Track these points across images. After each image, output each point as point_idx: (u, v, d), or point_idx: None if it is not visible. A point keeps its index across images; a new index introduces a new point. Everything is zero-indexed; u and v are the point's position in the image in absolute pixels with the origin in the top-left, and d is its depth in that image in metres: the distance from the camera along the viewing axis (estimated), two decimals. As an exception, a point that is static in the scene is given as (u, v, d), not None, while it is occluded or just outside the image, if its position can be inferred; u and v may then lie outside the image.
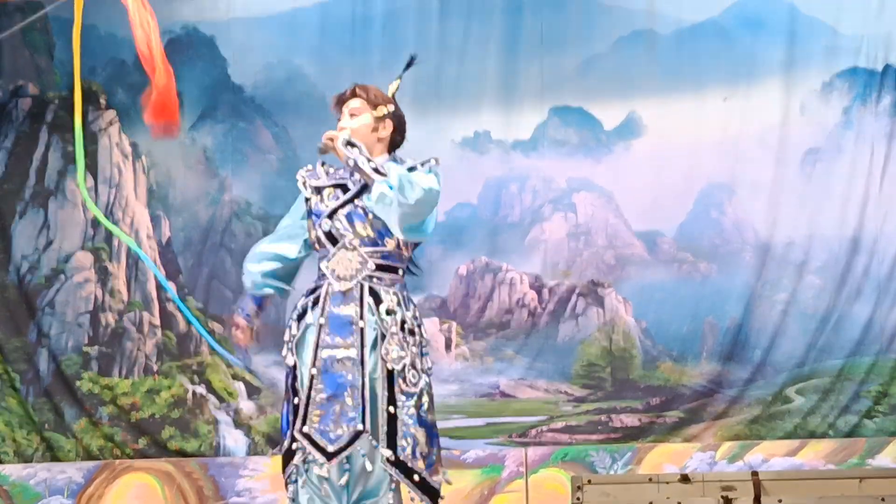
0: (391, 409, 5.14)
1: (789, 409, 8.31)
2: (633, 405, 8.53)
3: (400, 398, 5.15)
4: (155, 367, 8.91)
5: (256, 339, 5.52)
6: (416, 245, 5.36)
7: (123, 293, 9.04)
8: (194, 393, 8.85)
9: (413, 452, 5.13)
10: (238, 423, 8.80)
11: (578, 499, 4.40)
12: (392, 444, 5.11)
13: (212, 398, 8.85)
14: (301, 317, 5.28)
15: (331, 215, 5.28)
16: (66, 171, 9.10)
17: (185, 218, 9.06)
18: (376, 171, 5.12)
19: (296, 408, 5.20)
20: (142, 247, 8.99)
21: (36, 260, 9.09)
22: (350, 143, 5.20)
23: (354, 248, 5.24)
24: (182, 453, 8.68)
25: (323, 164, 5.46)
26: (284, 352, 5.31)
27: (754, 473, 4.35)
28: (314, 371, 5.18)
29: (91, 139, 9.02)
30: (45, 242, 9.11)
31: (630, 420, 8.49)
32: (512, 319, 8.75)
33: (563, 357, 8.67)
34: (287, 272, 5.49)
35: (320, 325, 5.21)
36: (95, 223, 9.05)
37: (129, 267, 9.06)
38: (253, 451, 8.70)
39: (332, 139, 5.23)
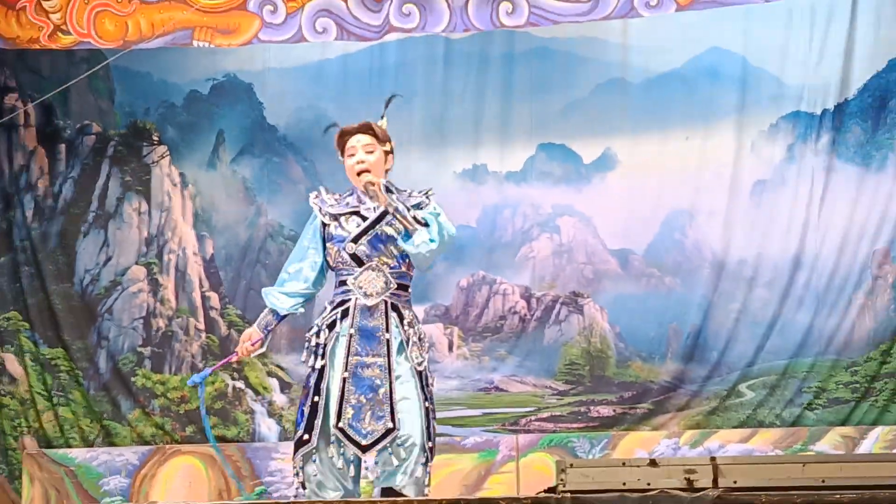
0: (427, 404, 5.20)
1: (742, 402, 8.30)
2: (608, 398, 8.51)
3: (428, 395, 5.23)
4: (200, 366, 8.79)
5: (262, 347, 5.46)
6: None
7: (172, 301, 8.99)
8: (234, 387, 8.82)
9: (434, 440, 5.25)
10: (271, 413, 8.76)
11: (562, 479, 4.38)
12: (429, 434, 5.19)
13: (249, 392, 8.81)
14: (331, 327, 5.24)
15: (355, 240, 5.24)
16: (124, 198, 9.08)
17: (227, 238, 9.02)
18: (416, 220, 5.13)
19: (315, 405, 5.19)
20: (188, 262, 9.00)
21: (97, 273, 9.04)
22: (388, 190, 5.19)
23: (380, 270, 5.22)
24: (223, 439, 8.66)
25: (327, 190, 5.44)
26: (305, 356, 5.31)
27: (713, 458, 4.33)
28: (346, 374, 5.17)
29: (145, 171, 9.07)
30: (104, 258, 9.06)
31: (606, 411, 8.48)
32: (505, 325, 8.73)
33: (548, 357, 8.65)
34: (311, 293, 5.46)
35: (350, 335, 5.19)
36: (148, 241, 9.04)
37: (177, 279, 9.03)
38: (284, 437, 8.64)
39: (373, 184, 5.20)
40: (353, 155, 5.33)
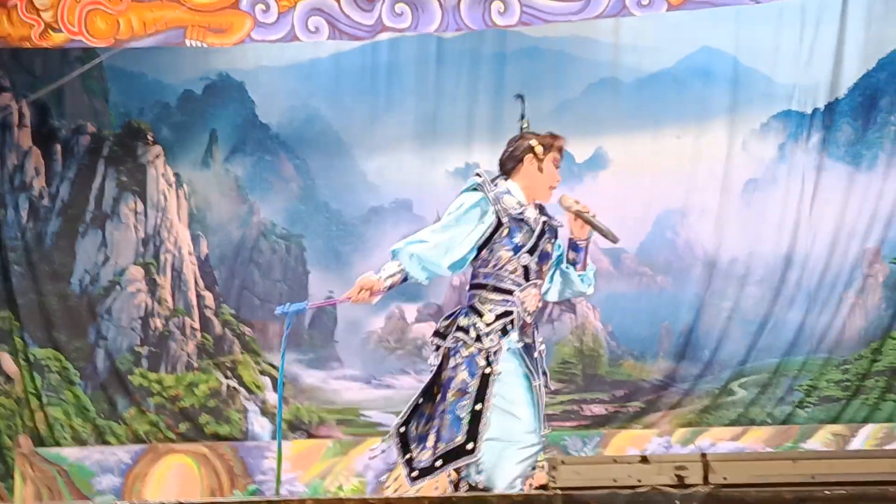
0: None
1: (733, 401, 8.27)
2: (600, 397, 8.48)
3: None
4: (195, 364, 8.88)
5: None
6: None
7: (169, 301, 9.00)
8: (228, 386, 8.83)
9: None
10: (264, 412, 8.77)
11: (554, 477, 4.36)
12: None
13: (242, 390, 8.81)
14: (503, 334, 4.98)
15: (531, 251, 5.02)
16: (120, 198, 9.06)
17: (220, 237, 9.00)
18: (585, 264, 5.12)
19: (478, 413, 4.91)
20: (184, 262, 9.00)
21: (96, 274, 9.05)
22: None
23: (537, 287, 5.05)
24: (216, 436, 8.68)
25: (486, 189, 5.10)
26: (474, 355, 5.01)
27: (703, 455, 4.30)
28: (537, 383, 5.05)
29: (140, 170, 9.05)
30: (103, 258, 9.06)
31: (598, 410, 8.45)
32: (498, 324, 8.66)
33: (540, 355, 8.62)
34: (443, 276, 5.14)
35: (520, 350, 4.98)
36: (145, 241, 9.04)
37: (174, 279, 9.02)
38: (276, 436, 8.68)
39: (590, 212, 5.12)
40: (558, 167, 5.20)
